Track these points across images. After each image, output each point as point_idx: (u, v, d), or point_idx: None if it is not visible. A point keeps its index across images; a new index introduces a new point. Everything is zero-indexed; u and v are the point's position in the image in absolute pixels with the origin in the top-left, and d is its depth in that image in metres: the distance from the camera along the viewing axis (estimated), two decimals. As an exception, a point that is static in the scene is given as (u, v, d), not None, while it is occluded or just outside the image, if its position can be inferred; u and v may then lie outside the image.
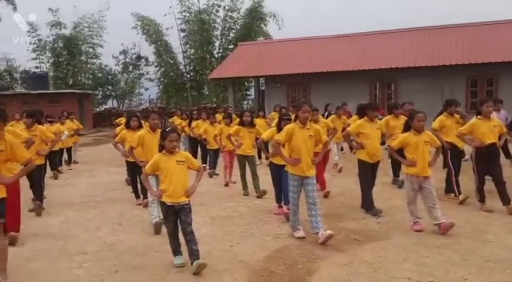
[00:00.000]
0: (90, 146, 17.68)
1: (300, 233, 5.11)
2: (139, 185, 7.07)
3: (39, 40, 31.59)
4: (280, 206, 6.31)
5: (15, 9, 30.65)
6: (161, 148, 4.39)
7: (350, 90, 17.59)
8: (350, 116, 10.82)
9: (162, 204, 4.31)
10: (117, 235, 5.41)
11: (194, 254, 4.13)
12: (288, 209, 5.79)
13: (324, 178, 7.42)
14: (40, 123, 6.91)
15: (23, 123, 6.81)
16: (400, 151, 5.71)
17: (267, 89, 21.00)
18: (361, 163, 6.25)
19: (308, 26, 45.30)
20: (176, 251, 4.34)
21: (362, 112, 6.67)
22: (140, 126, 6.81)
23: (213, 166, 9.82)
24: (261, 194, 7.34)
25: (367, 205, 6.13)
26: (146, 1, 39.92)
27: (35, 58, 31.79)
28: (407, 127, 5.55)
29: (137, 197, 7.17)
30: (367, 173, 6.17)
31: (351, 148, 12.12)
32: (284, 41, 23.20)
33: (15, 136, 5.08)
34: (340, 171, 9.56)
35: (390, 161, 8.18)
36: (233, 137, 7.87)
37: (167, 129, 4.38)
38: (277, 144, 5.21)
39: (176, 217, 4.26)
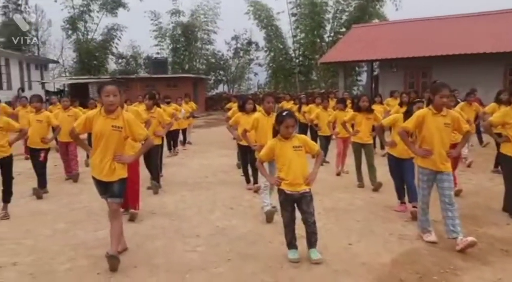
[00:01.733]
0: (202, 128, 18.42)
1: (432, 237, 4.42)
2: (250, 170, 6.96)
3: (160, 28, 33.92)
4: (402, 202, 5.64)
5: (141, -1, 33.45)
6: (276, 132, 4.10)
7: (479, 75, 15.58)
8: (480, 104, 9.45)
9: (280, 192, 4.02)
10: (229, 219, 5.29)
11: (311, 242, 3.97)
12: (414, 207, 5.14)
13: (455, 173, 6.49)
14: (158, 106, 7.12)
15: (145, 105, 7.07)
16: None
17: (382, 74, 19.68)
18: (507, 159, 5.26)
19: (430, 6, 41.48)
20: (291, 244, 4.03)
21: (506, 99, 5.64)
22: (254, 110, 6.64)
23: (324, 153, 9.34)
24: (377, 187, 6.72)
25: (514, 208, 5.15)
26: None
27: (157, 45, 34.26)
28: None
29: (248, 181, 7.05)
30: (516, 171, 5.18)
31: (481, 141, 10.80)
32: (402, 22, 21.47)
33: (137, 116, 5.21)
34: (469, 165, 8.43)
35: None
36: (348, 124, 7.32)
37: (284, 114, 4.03)
38: (403, 132, 4.56)
39: (293, 207, 3.98)
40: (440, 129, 4.35)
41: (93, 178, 3.97)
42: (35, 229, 4.96)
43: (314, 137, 10.04)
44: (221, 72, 35.77)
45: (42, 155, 6.61)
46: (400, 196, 5.64)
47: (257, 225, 5.07)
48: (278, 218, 5.18)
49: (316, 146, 4.19)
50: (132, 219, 5.19)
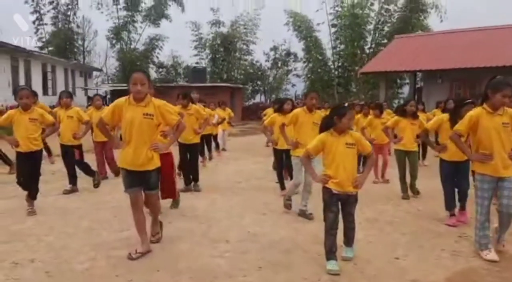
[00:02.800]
0: (238, 136, 18.19)
1: (491, 255, 3.86)
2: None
3: (200, 38, 34.33)
4: (452, 214, 5.07)
5: (183, 10, 34.03)
6: (324, 129, 3.76)
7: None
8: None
9: (326, 190, 3.66)
10: (260, 225, 4.91)
11: (349, 238, 3.86)
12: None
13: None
14: (193, 103, 6.90)
15: (180, 105, 6.85)
16: None
17: (426, 86, 18.84)
18: None
19: (477, 18, 39.84)
20: (331, 253, 3.61)
21: None
22: (291, 111, 6.29)
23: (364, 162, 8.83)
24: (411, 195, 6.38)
25: None
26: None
27: (196, 55, 34.68)
28: None
29: (283, 188, 6.68)
30: None
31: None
32: (448, 33, 20.59)
33: None
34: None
35: None
36: (390, 129, 6.82)
37: (345, 105, 3.76)
38: (456, 136, 4.07)
39: (338, 207, 3.65)
40: (498, 130, 3.84)
41: (124, 169, 3.77)
42: (59, 226, 4.77)
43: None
44: (259, 82, 35.70)
45: (77, 152, 6.56)
46: (449, 206, 5.07)
47: (291, 232, 4.65)
48: (311, 226, 4.81)
49: (369, 146, 3.84)
50: (174, 206, 5.51)
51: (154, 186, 3.87)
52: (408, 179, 6.50)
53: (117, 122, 3.87)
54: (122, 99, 3.81)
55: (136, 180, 3.76)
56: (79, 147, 6.63)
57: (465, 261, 3.86)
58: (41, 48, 33.00)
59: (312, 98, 5.36)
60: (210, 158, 10.71)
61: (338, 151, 3.64)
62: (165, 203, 5.40)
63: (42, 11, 34.07)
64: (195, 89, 26.16)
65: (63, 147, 6.61)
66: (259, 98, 36.16)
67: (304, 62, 32.50)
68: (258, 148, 12.88)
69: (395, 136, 6.79)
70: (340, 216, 3.72)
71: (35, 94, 6.75)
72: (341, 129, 3.68)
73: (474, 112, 3.99)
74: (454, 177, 4.99)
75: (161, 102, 3.85)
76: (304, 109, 5.39)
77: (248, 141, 16.46)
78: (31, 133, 5.15)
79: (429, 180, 6.65)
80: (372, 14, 29.32)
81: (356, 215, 5.15)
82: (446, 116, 5.19)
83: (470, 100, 5.05)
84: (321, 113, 5.17)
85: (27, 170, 5.22)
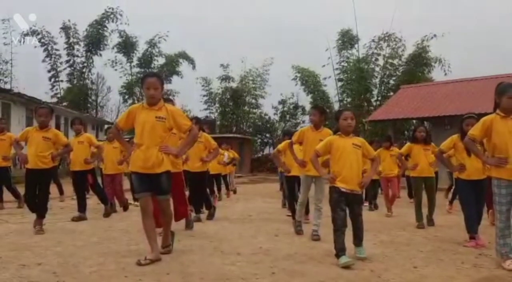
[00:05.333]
0: (247, 184, 18.14)
1: (515, 264, 3.69)
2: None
3: (210, 93, 35.29)
4: (471, 237, 4.89)
5: (194, 68, 35.33)
6: (335, 132, 4.07)
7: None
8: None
9: (333, 190, 3.73)
10: (273, 243, 4.78)
11: (359, 238, 3.93)
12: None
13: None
14: (203, 131, 6.94)
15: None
16: None
17: (434, 133, 18.82)
18: None
19: (480, 70, 40.77)
20: (342, 250, 3.69)
21: None
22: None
23: (373, 197, 8.68)
24: (426, 224, 6.23)
25: None
26: (306, 54, 41.72)
27: (206, 109, 35.46)
28: None
29: (294, 218, 6.52)
30: None
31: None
32: (452, 82, 21.03)
33: None
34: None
35: None
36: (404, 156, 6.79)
37: (340, 109, 3.92)
38: (470, 141, 4.06)
39: (345, 208, 3.73)
40: None
41: (134, 173, 3.78)
42: (67, 240, 4.71)
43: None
44: (267, 135, 36.06)
45: (90, 176, 6.60)
46: (471, 228, 4.88)
47: (305, 248, 4.51)
48: (326, 244, 4.65)
49: (373, 151, 4.15)
50: (188, 227, 5.46)
51: (165, 190, 3.82)
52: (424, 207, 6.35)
53: (130, 126, 3.93)
54: (136, 104, 3.97)
55: (147, 184, 3.73)
56: (91, 171, 6.64)
57: (488, 271, 3.68)
58: (56, 103, 34.04)
59: (314, 115, 5.43)
60: (220, 198, 10.60)
61: (345, 149, 3.88)
62: (175, 225, 5.30)
63: (58, 69, 35.64)
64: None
65: (74, 173, 6.62)
66: (268, 150, 36.30)
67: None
68: (267, 191, 12.82)
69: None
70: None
71: (83, 123, 7.10)
72: (344, 129, 3.96)
73: (488, 117, 4.00)
74: (474, 195, 4.87)
75: (174, 108, 3.95)
76: (311, 127, 5.43)
77: (257, 186, 16.43)
78: (41, 151, 5.19)
79: (446, 215, 6.53)
80: (377, 68, 30.12)
81: (371, 238, 5.06)
82: (458, 135, 5.19)
83: (470, 115, 5.10)
84: (329, 131, 5.18)
85: (34, 187, 5.21)
